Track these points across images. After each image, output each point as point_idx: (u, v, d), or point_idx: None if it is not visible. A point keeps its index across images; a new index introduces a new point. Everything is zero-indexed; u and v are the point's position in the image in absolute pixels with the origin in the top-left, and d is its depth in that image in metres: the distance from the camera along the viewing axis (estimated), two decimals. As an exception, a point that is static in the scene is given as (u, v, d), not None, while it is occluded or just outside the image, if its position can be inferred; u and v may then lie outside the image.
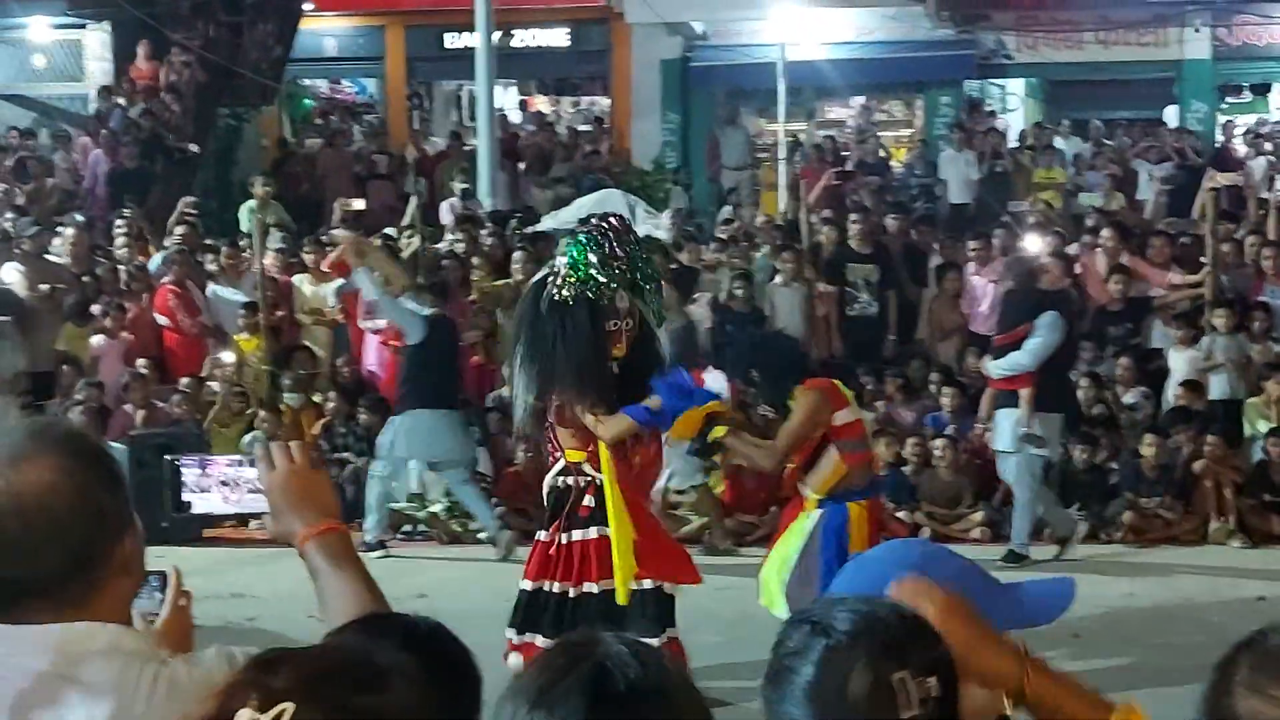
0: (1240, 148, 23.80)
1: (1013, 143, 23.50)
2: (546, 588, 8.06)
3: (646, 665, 1.86)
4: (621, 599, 7.92)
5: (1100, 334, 14.06)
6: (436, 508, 13.02)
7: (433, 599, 10.82)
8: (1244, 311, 13.70)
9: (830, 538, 8.05)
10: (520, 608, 8.16)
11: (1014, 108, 27.04)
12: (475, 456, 12.92)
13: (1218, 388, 13.32)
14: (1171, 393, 13.49)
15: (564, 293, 7.86)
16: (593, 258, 7.86)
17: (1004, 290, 12.46)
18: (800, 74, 22.39)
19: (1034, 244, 14.70)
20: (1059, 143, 23.10)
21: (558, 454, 8.19)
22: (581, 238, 8.01)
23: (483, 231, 16.18)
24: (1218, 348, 13.37)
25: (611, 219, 8.28)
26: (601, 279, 7.85)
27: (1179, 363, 13.52)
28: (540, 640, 8.01)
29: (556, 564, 8.06)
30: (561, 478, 8.16)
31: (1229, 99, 26.58)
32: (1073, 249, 15.29)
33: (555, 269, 8.04)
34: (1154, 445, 12.71)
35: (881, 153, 24.08)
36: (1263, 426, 12.96)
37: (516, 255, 14.63)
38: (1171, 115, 25.23)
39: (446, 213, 18.03)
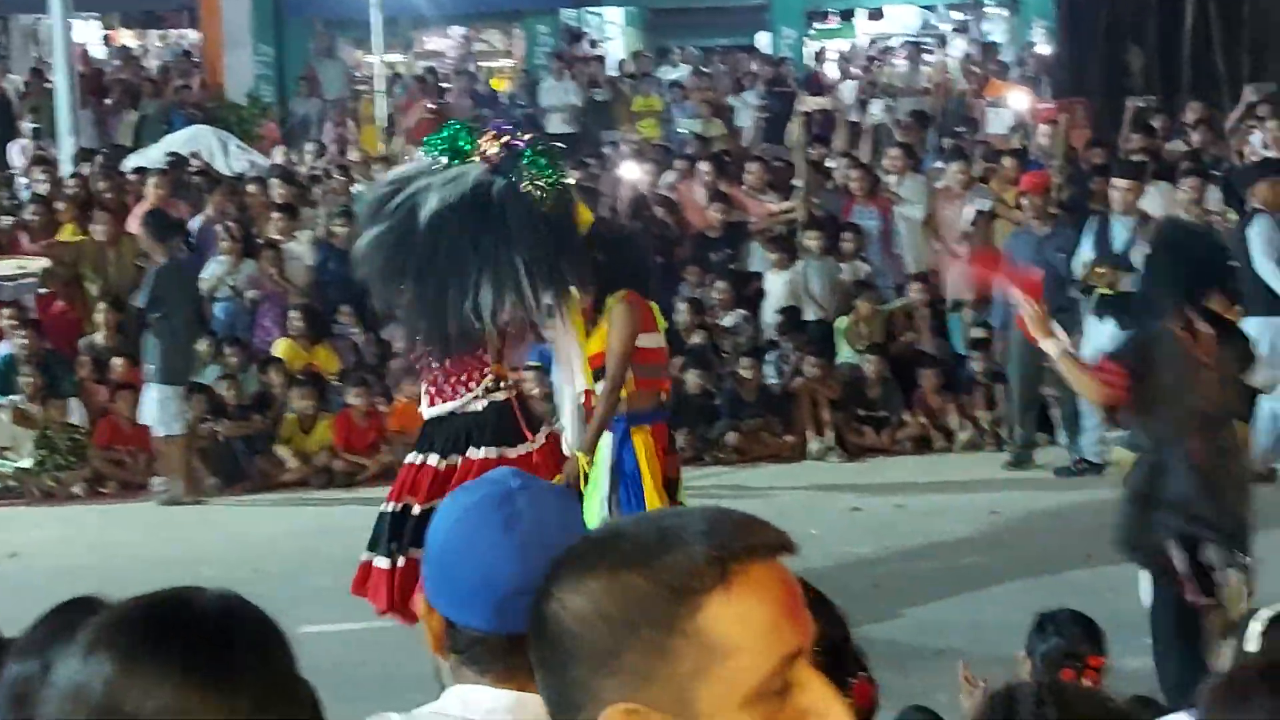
0: (831, 73, 24.49)
1: (612, 71, 23.67)
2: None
3: (230, 608, 1.75)
4: None
5: (702, 259, 14.27)
6: (26, 463, 12.41)
7: (27, 557, 10.38)
8: (835, 233, 14.09)
9: (627, 456, 8.04)
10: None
11: (612, 36, 27.25)
12: None
13: (812, 308, 13.69)
14: (769, 315, 13.80)
15: (545, 200, 7.73)
16: (553, 171, 7.78)
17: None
18: (397, 4, 22.05)
19: (631, 172, 14.84)
20: (661, 71, 23.38)
21: (479, 375, 8.05)
22: (542, 150, 7.81)
23: (64, 174, 15.46)
24: (811, 270, 13.73)
25: (555, 144, 8.27)
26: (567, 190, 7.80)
27: (775, 285, 13.84)
28: (379, 560, 7.94)
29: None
30: (501, 393, 8.10)
31: (817, 25, 27.34)
32: (670, 176, 15.47)
33: (520, 176, 7.75)
34: (752, 368, 13.00)
35: (482, 83, 23.96)
36: (855, 344, 13.39)
37: (99, 215, 13.99)
38: (764, 42, 25.81)
39: (17, 155, 17.15)
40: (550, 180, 7.79)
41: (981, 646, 6.81)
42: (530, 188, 7.75)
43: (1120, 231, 11.65)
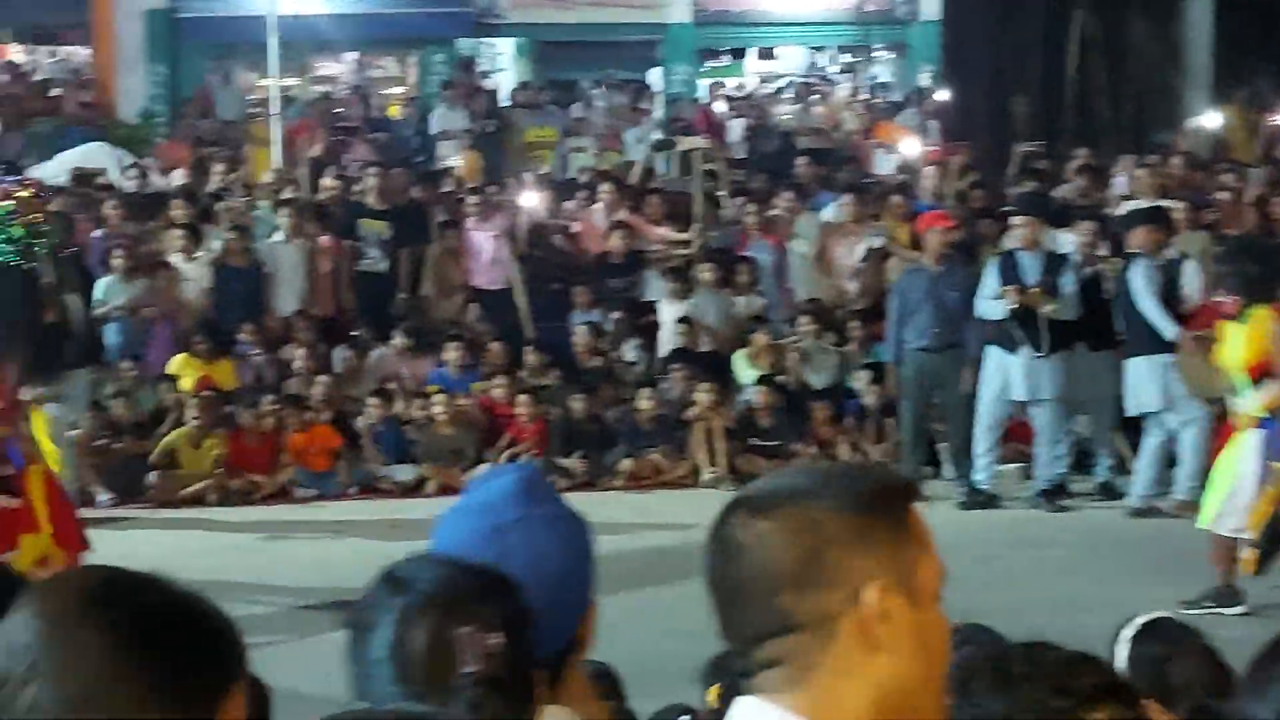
0: (721, 110, 24.77)
1: (504, 101, 23.79)
2: None
3: (186, 597, 1.77)
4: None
5: (599, 288, 14.44)
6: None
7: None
8: (730, 266, 14.35)
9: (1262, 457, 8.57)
10: None
11: (504, 67, 27.36)
12: None
13: (706, 339, 13.92)
14: (665, 344, 14.01)
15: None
16: (18, 222, 7.76)
17: None
18: (294, 28, 21.95)
19: (530, 200, 15.01)
20: (550, 102, 23.54)
21: None
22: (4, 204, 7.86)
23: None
24: (706, 301, 13.97)
25: (28, 183, 8.21)
26: (33, 244, 7.76)
27: (671, 315, 14.05)
28: None
29: None
30: None
31: (709, 63, 27.63)
32: (570, 205, 15.65)
33: None
34: (650, 398, 13.20)
35: (379, 110, 24.00)
36: (750, 375, 13.62)
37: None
38: (656, 77, 26.06)
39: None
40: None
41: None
42: None
43: (1029, 265, 11.96)
